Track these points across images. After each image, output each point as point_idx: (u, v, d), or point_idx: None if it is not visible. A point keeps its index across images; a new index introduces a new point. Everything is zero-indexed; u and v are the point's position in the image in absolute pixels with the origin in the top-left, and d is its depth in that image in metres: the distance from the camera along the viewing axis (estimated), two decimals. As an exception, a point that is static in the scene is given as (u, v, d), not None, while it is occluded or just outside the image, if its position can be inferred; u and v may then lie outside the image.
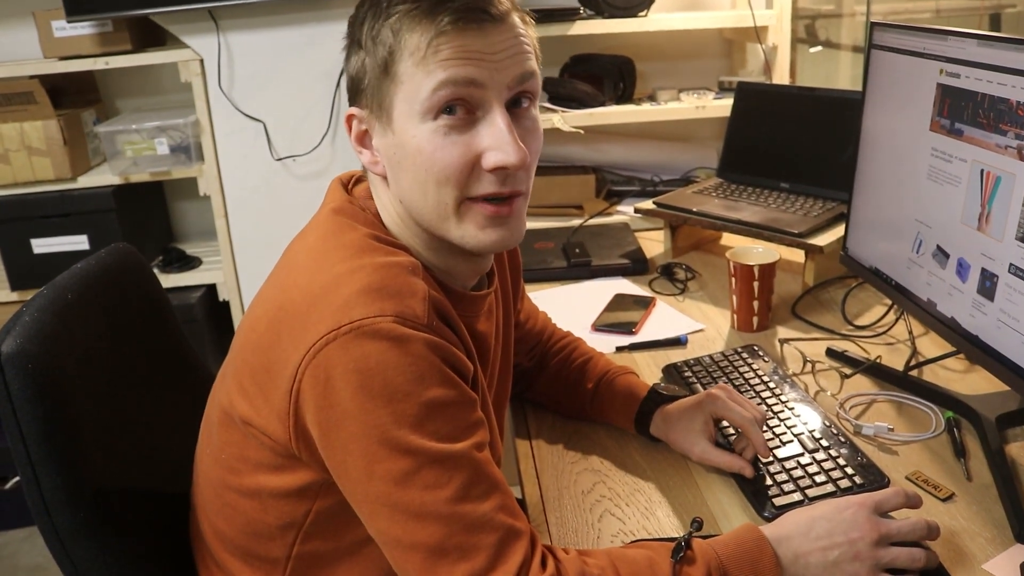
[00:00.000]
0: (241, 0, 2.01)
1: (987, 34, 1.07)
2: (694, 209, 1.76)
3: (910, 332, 1.41)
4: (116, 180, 2.15)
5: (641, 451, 1.14)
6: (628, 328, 1.50)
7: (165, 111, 2.29)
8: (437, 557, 0.77)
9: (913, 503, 0.91)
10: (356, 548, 0.89)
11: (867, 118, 1.35)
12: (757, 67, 2.28)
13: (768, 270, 1.44)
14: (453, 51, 0.81)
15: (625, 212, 2.09)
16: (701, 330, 1.50)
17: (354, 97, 0.90)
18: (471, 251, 0.89)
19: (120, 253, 1.12)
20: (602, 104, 2.10)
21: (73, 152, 2.13)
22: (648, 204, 1.85)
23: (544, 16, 1.99)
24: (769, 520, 0.96)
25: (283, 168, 2.24)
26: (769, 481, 1.03)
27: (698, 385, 1.27)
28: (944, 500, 1.00)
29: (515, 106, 0.86)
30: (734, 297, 1.47)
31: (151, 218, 2.39)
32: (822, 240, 1.59)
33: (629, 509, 1.03)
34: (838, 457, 1.06)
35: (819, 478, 1.03)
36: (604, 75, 2.12)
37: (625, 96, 2.15)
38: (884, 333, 1.44)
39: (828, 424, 1.13)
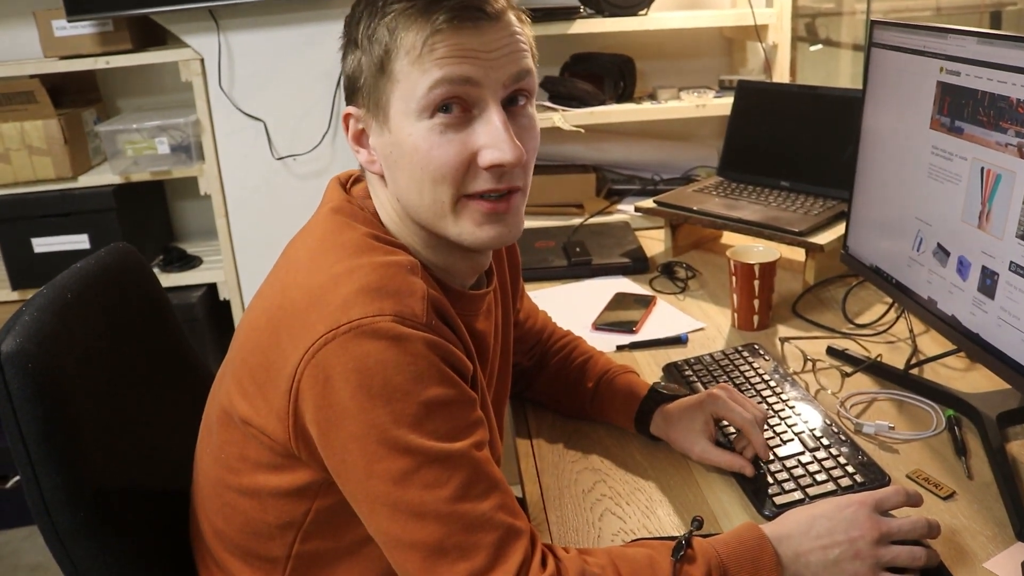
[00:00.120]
0: (241, 0, 2.01)
1: (987, 32, 1.07)
2: (694, 208, 1.76)
3: (911, 330, 1.41)
4: (117, 179, 2.15)
5: (642, 450, 1.14)
6: (629, 327, 1.50)
7: (165, 110, 2.29)
8: (437, 556, 0.77)
9: (914, 501, 0.91)
10: (356, 547, 0.89)
11: (867, 116, 1.35)
12: (757, 66, 2.28)
13: (769, 269, 1.44)
14: (449, 49, 0.81)
15: (626, 211, 2.09)
16: (702, 329, 1.50)
17: (351, 96, 0.90)
18: (469, 248, 0.89)
19: (120, 252, 1.12)
20: (602, 103, 2.10)
21: (74, 151, 2.14)
22: (648, 203, 1.85)
23: (544, 15, 1.99)
24: (770, 519, 0.96)
25: (283, 167, 2.24)
26: (770, 480, 1.03)
27: (699, 384, 1.27)
28: (945, 498, 1.00)
29: (511, 104, 0.86)
30: (735, 296, 1.47)
31: (151, 217, 2.39)
32: (822, 239, 1.58)
33: (630, 508, 1.03)
34: (839, 455, 1.06)
35: (820, 476, 1.03)
36: (604, 74, 2.12)
37: (625, 95, 2.15)
38: (885, 331, 1.44)
39: (829, 422, 1.13)
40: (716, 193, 1.84)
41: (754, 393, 1.22)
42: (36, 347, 0.88)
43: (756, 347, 1.36)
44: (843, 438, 1.10)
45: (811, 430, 1.12)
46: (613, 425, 1.19)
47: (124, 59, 2.09)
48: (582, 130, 2.05)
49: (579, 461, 1.14)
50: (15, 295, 2.20)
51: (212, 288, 2.29)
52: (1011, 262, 1.02)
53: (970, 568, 0.89)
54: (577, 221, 2.02)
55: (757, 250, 1.47)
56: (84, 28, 2.05)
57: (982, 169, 1.07)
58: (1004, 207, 1.03)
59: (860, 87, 1.36)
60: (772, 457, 1.06)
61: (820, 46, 2.41)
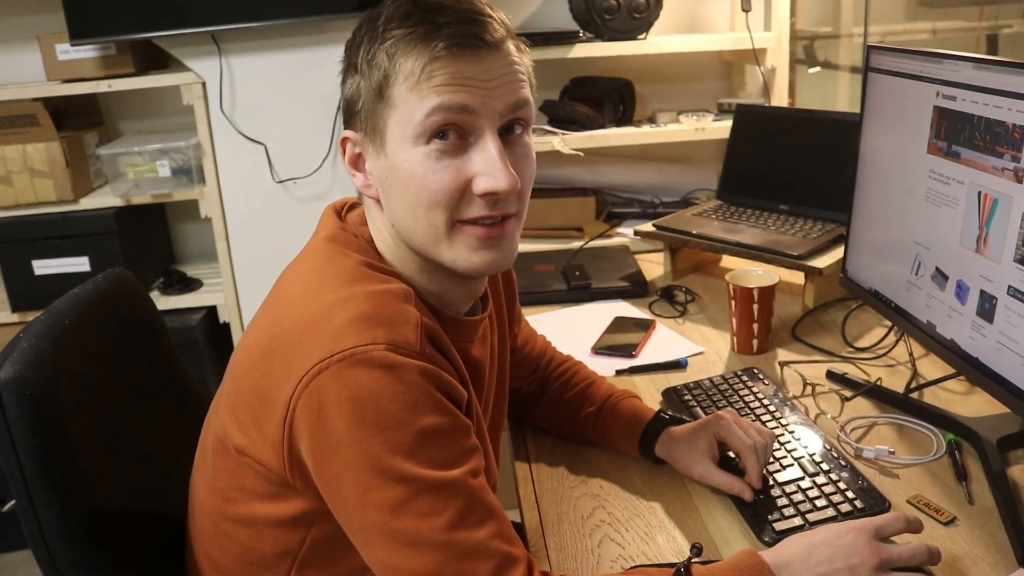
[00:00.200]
0: (243, 24, 2.02)
1: (983, 57, 1.07)
2: (694, 231, 1.76)
3: (910, 354, 1.41)
4: (118, 202, 2.16)
5: (641, 476, 1.14)
6: (628, 351, 1.50)
7: (167, 133, 2.30)
8: (433, 585, 0.76)
9: (914, 528, 0.90)
10: (352, 576, 0.88)
11: (865, 140, 1.35)
12: (756, 89, 2.29)
13: (768, 292, 1.43)
14: (447, 77, 0.81)
15: (625, 234, 2.09)
16: (701, 353, 1.49)
17: (349, 120, 0.90)
18: (463, 274, 0.89)
19: (116, 278, 1.12)
20: (602, 126, 2.10)
21: (75, 174, 2.14)
22: (648, 226, 1.85)
23: (544, 39, 2.00)
24: (769, 545, 0.96)
25: (284, 191, 2.24)
26: (769, 505, 1.03)
27: (698, 408, 1.26)
28: (946, 524, 0.99)
29: (508, 133, 0.86)
30: (734, 320, 1.46)
31: (152, 240, 2.39)
32: (821, 262, 1.59)
33: (629, 534, 1.03)
34: (839, 481, 1.05)
35: (820, 502, 1.02)
36: (604, 97, 2.13)
37: (625, 118, 2.16)
38: (884, 355, 1.43)
39: (828, 447, 1.13)
40: (715, 217, 1.84)
41: (754, 418, 1.22)
42: (34, 374, 0.88)
43: (755, 371, 1.35)
44: (843, 463, 1.09)
45: (811, 455, 1.11)
46: (613, 450, 1.18)
47: (126, 82, 2.10)
48: (581, 153, 2.05)
49: (578, 487, 1.13)
50: (15, 317, 2.20)
51: (212, 311, 2.29)
52: (1009, 286, 1.02)
53: (971, 596, 0.89)
54: (576, 244, 2.02)
55: (756, 274, 1.47)
56: (87, 52, 2.07)
57: (979, 193, 1.07)
58: (1001, 231, 1.03)
59: (858, 110, 1.37)
60: (771, 483, 1.06)
61: (818, 68, 2.42)
